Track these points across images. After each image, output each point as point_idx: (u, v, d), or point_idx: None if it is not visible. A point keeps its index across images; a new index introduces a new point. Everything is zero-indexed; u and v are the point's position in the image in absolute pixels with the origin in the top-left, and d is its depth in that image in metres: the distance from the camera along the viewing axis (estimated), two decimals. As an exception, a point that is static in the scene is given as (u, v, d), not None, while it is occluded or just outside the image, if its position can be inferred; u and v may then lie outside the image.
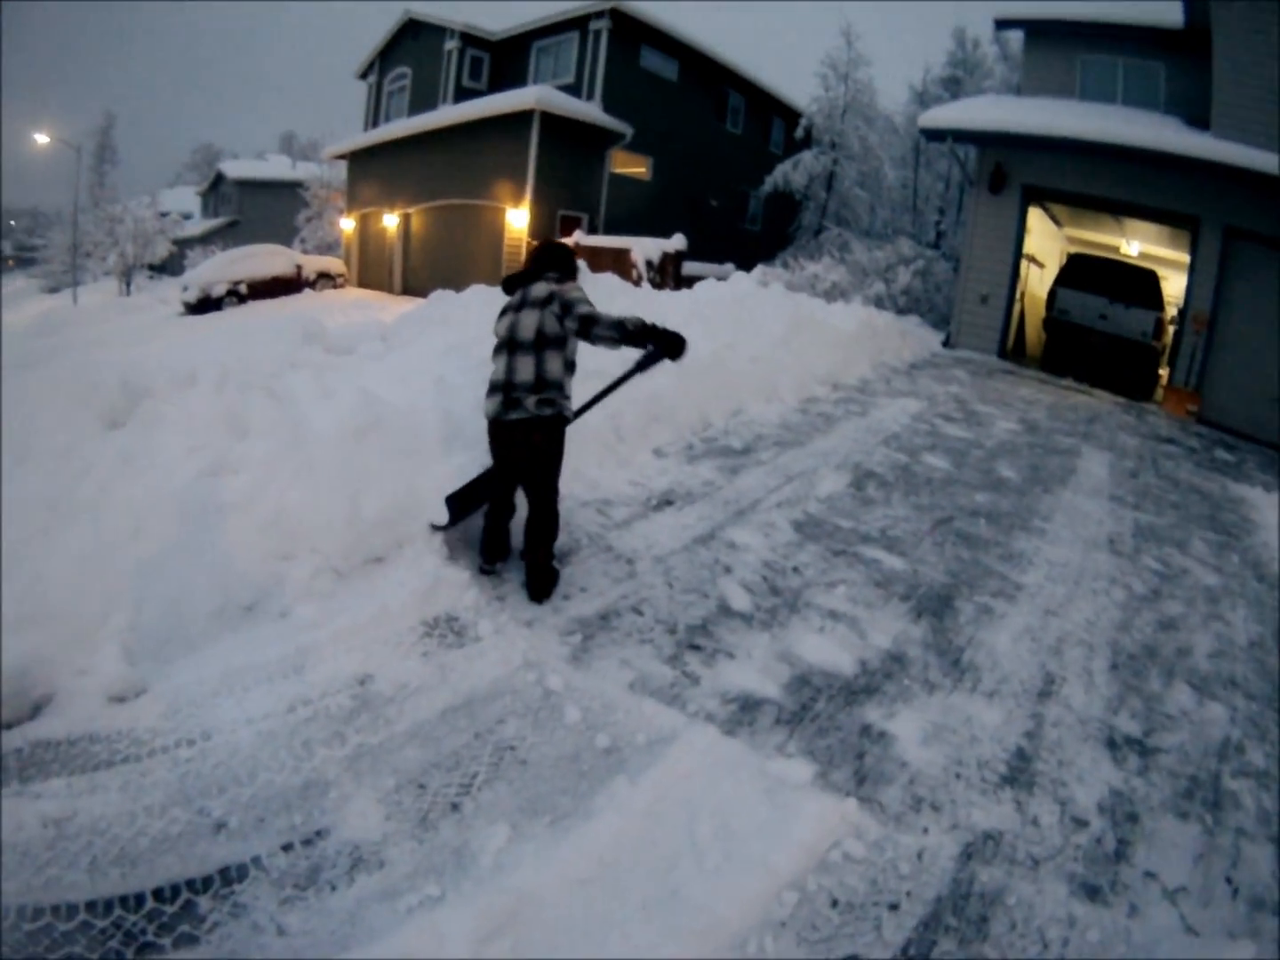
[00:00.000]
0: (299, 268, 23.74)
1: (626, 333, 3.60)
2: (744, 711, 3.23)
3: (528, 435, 3.65)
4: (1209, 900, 2.87)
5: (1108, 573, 5.31)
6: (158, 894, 2.21)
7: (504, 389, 3.64)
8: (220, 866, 2.30)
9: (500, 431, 3.68)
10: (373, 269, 24.10)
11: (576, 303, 3.68)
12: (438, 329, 7.14)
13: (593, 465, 4.83)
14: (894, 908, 2.55)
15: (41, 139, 32.60)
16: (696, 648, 3.55)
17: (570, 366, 3.76)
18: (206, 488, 3.61)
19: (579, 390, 3.92)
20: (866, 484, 5.77)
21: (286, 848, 2.38)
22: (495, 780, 2.69)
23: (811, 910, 2.47)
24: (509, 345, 3.67)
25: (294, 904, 2.23)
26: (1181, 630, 4.79)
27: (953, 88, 24.59)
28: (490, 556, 3.96)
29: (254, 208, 40.99)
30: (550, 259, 3.94)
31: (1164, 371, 13.03)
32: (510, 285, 3.92)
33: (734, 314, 7.93)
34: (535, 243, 3.75)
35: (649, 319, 3.67)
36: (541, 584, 3.80)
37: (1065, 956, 2.55)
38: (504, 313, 3.79)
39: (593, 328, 3.60)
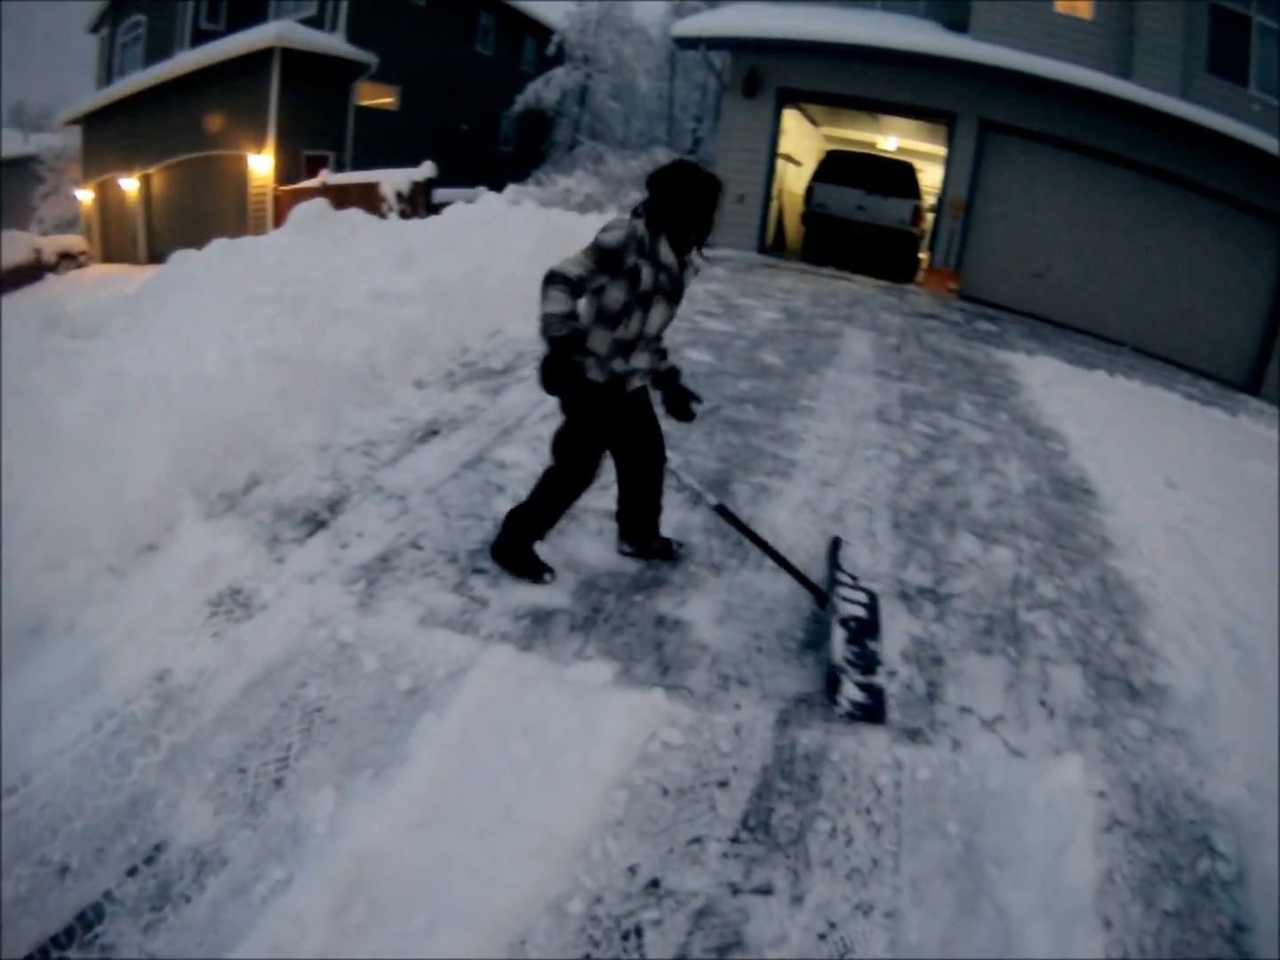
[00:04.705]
0: (38, 252, 21.45)
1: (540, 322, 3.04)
2: (537, 625, 3.16)
3: None
4: (1027, 724, 3.08)
5: (879, 441, 5.52)
6: (29, 963, 1.99)
7: None
8: (77, 912, 2.08)
9: None
10: (117, 241, 22.02)
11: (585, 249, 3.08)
12: (181, 292, 6.60)
13: (353, 408, 4.57)
14: (724, 785, 2.60)
15: None
16: (480, 571, 3.44)
17: (602, 316, 3.16)
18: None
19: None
20: None
21: (132, 872, 2.18)
22: (310, 746, 2.56)
23: (645, 804, 2.48)
24: None
25: (156, 928, 2.05)
26: (958, 485, 5.06)
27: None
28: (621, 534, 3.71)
29: (-16, 193, 36.75)
30: (650, 183, 3.22)
31: (925, 255, 13.71)
32: None
33: (484, 235, 7.66)
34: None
35: (552, 329, 3.00)
36: (497, 540, 3.52)
37: (901, 798, 2.67)
38: None
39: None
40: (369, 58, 18.01)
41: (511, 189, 14.11)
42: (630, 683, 2.91)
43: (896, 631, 3.49)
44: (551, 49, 22.57)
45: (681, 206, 3.10)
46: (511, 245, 7.43)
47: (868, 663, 3.04)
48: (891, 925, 2.28)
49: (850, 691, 2.93)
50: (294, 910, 2.05)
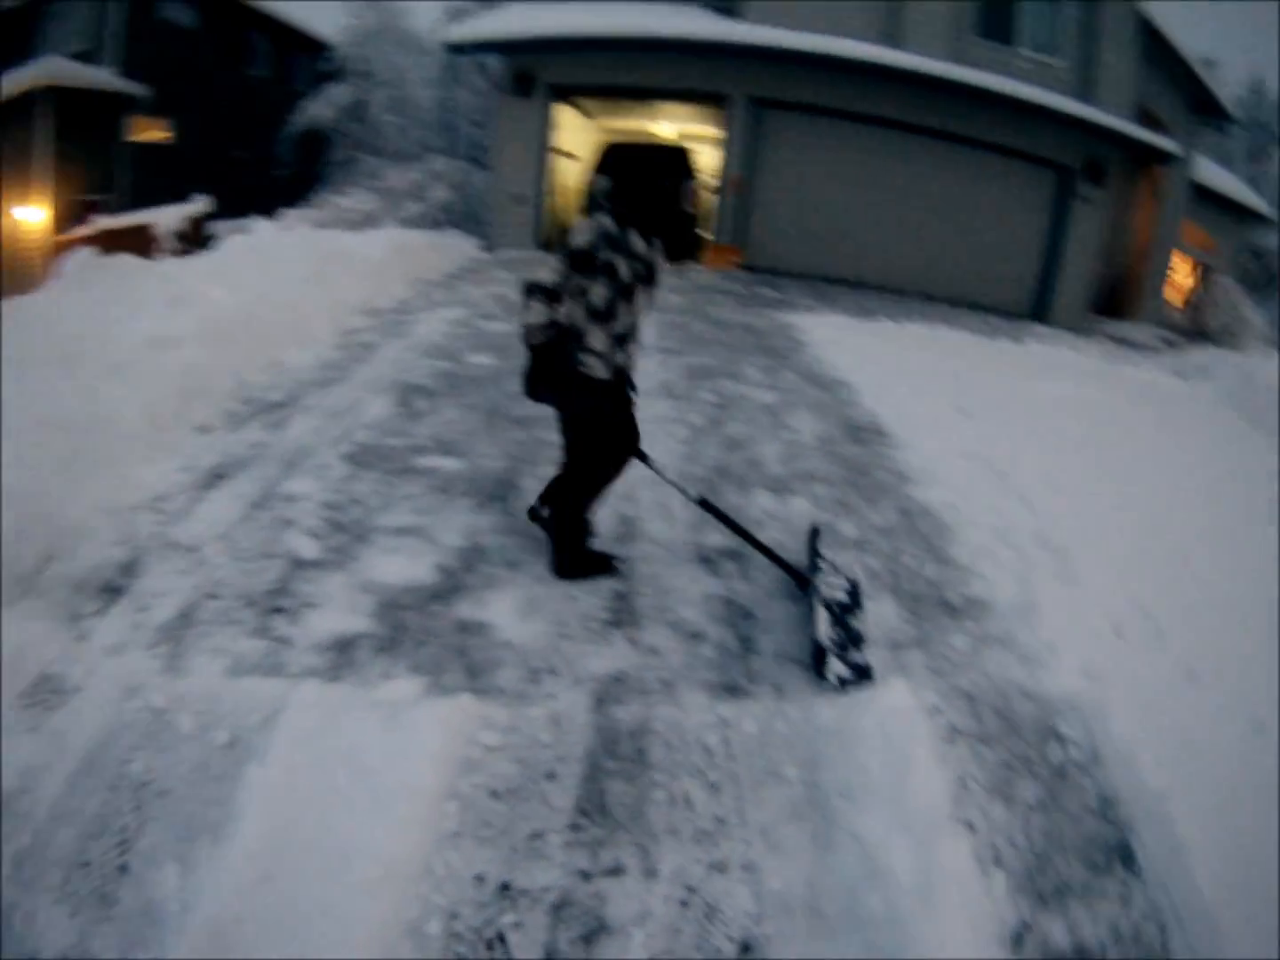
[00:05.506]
0: None
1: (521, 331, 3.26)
2: (341, 654, 3.11)
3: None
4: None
5: (666, 415, 5.65)
6: None
7: None
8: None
9: None
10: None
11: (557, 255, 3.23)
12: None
13: (139, 464, 4.37)
14: (552, 776, 2.62)
15: None
16: (279, 610, 3.36)
17: (594, 315, 3.26)
18: None
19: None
20: (413, 399, 5.64)
21: (4, 1003, 2.04)
22: (146, 824, 2.45)
23: (477, 810, 2.48)
24: None
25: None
26: (748, 447, 5.20)
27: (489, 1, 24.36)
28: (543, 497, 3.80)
29: None
30: (613, 174, 3.38)
31: (708, 234, 14.04)
32: None
33: (258, 265, 7.43)
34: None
35: (531, 339, 3.23)
36: (556, 559, 3.61)
37: (733, 754, 2.74)
38: None
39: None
40: (139, 89, 16.99)
41: (286, 215, 13.66)
42: (440, 693, 2.90)
43: (699, 595, 3.59)
44: (327, 65, 21.96)
45: (647, 196, 3.29)
46: (286, 272, 7.25)
47: (852, 640, 3.13)
48: (750, 878, 2.34)
49: (836, 667, 3.02)
50: (166, 996, 1.98)
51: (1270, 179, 30.70)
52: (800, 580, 3.51)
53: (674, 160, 2.93)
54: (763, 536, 4.00)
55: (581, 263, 3.17)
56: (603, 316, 3.26)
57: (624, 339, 3.36)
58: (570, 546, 3.60)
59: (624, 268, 3.23)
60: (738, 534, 3.58)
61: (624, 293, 3.27)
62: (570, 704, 2.91)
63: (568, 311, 3.25)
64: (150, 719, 2.82)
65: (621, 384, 3.47)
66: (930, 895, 2.20)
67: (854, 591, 3.37)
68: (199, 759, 2.65)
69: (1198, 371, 10.34)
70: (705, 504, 3.55)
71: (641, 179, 3.29)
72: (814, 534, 3.81)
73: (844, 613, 3.22)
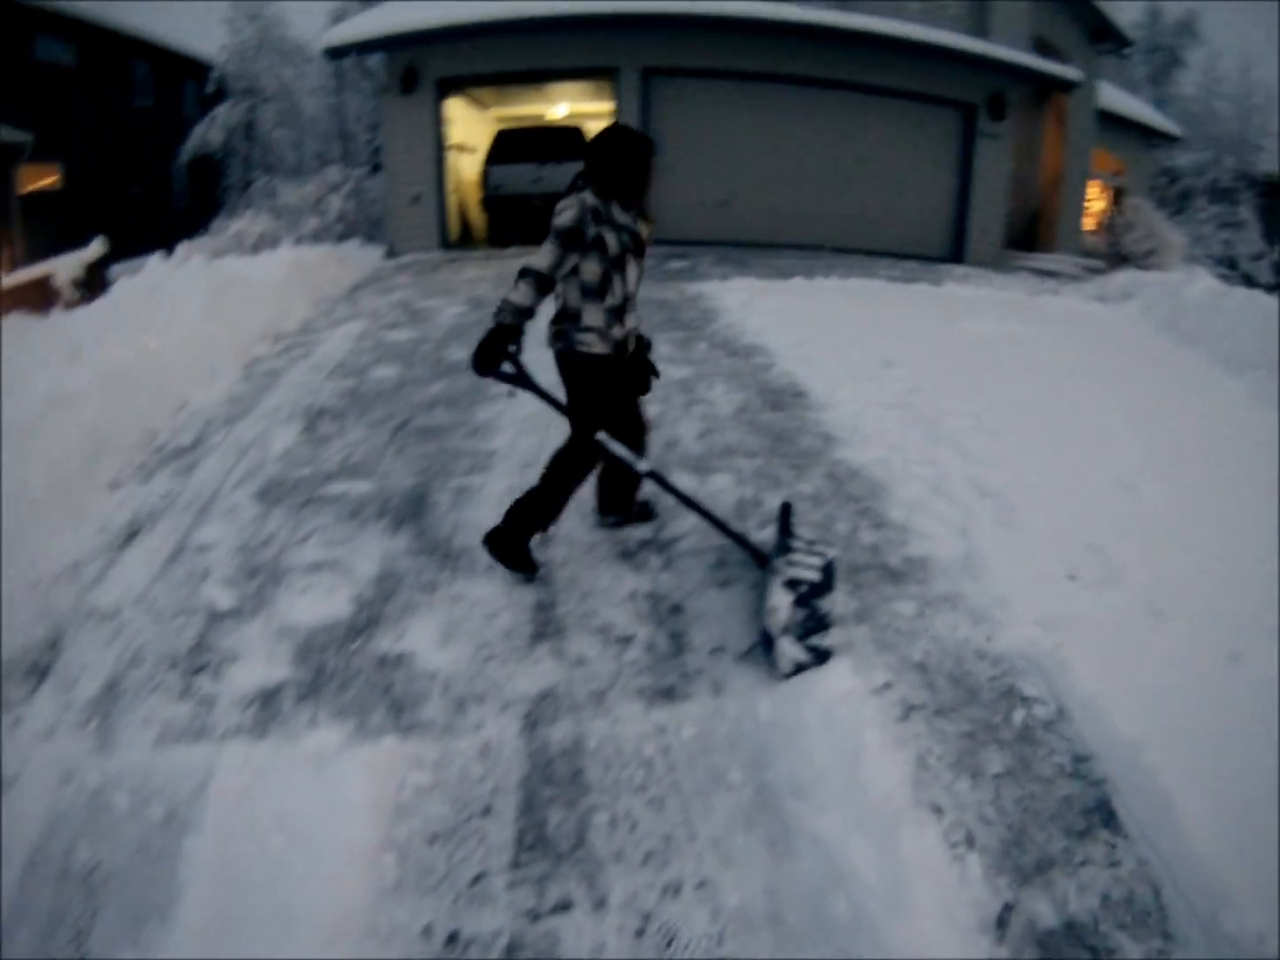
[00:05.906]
0: None
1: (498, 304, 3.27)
2: (265, 707, 3.02)
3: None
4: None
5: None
6: None
7: None
8: None
9: None
10: None
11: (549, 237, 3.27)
12: None
13: (52, 532, 4.23)
14: (488, 811, 2.53)
15: None
16: (201, 668, 3.27)
17: (588, 292, 3.37)
18: None
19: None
20: (319, 423, 5.50)
21: None
22: (97, 914, 2.36)
23: (416, 859, 2.39)
24: None
25: None
26: (663, 426, 5.07)
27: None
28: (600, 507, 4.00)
29: None
30: (589, 153, 3.43)
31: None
32: None
33: (152, 305, 7.20)
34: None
35: (500, 315, 3.22)
36: (498, 530, 3.56)
37: (673, 763, 2.65)
38: None
39: None
40: (22, 136, 16.35)
41: (183, 247, 13.28)
42: (365, 737, 2.82)
43: (623, 594, 3.52)
44: (212, 86, 21.25)
45: (625, 169, 3.36)
46: (182, 309, 7.05)
47: (817, 623, 2.99)
48: (707, 895, 2.24)
49: (791, 653, 2.91)
50: None
51: (1173, 100, 31.27)
52: (759, 558, 3.41)
53: (645, 139, 3.01)
54: (683, 523, 3.94)
55: (571, 240, 3.24)
56: (597, 292, 3.36)
57: (620, 312, 3.44)
58: (523, 527, 3.55)
59: (612, 240, 3.32)
60: (691, 508, 3.52)
61: (616, 265, 3.36)
62: (500, 730, 2.82)
63: (562, 294, 3.38)
64: (87, 802, 2.74)
65: (623, 359, 3.53)
66: (898, 891, 2.13)
67: (827, 570, 3.15)
68: (138, 838, 2.57)
69: (1120, 294, 10.33)
70: (653, 475, 3.51)
71: (623, 153, 3.37)
72: (785, 511, 3.63)
73: (813, 594, 3.03)
